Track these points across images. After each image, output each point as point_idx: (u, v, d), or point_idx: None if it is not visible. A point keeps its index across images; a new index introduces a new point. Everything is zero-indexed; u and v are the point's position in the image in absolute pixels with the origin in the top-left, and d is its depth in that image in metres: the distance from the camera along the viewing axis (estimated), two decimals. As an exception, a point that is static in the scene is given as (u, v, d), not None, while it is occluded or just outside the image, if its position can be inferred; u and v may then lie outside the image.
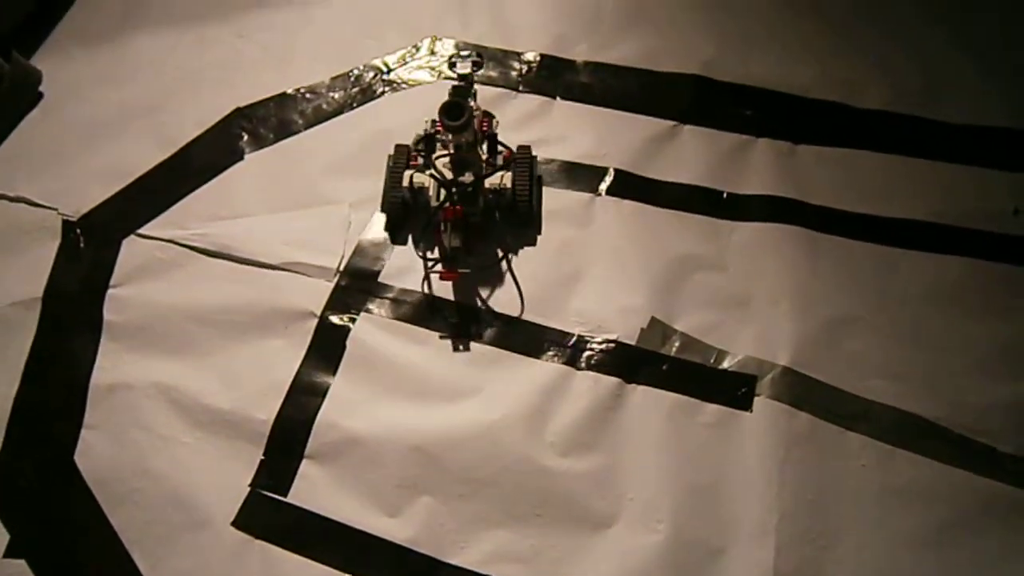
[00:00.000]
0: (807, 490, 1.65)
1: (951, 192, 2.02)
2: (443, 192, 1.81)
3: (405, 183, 1.87)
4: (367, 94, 2.22)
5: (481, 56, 1.99)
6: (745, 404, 1.74)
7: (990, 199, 2.01)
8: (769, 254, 1.93)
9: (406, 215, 1.93)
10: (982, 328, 1.83)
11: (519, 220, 1.90)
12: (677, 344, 1.81)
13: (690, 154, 2.09)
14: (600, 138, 2.11)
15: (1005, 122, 2.11)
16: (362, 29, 2.36)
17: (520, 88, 2.21)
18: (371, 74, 2.26)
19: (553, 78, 2.23)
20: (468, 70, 1.94)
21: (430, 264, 1.92)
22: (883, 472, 1.67)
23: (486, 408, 1.74)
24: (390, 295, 1.90)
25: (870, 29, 2.30)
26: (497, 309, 1.87)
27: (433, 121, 1.93)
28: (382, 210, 1.94)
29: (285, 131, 2.16)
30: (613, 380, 1.76)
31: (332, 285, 1.91)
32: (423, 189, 1.85)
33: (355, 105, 2.20)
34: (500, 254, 1.91)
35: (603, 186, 2.03)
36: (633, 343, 1.81)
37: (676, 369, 1.78)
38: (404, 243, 1.98)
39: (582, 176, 2.05)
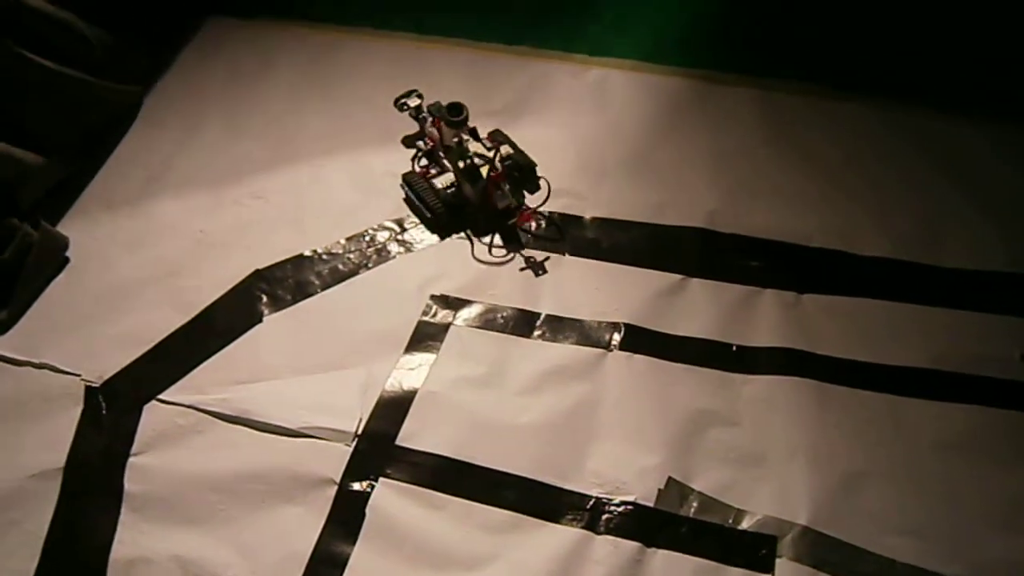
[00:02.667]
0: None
1: (955, 338, 2.07)
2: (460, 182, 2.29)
3: (440, 184, 2.31)
4: (382, 254, 2.30)
5: (417, 90, 2.48)
6: (767, 566, 1.73)
7: (994, 345, 2.05)
8: (781, 407, 1.96)
9: (449, 215, 2.30)
10: (995, 479, 1.84)
11: (529, 166, 2.36)
12: (695, 505, 1.82)
13: (699, 307, 2.14)
14: (610, 293, 2.18)
15: (1007, 267, 2.18)
16: (374, 188, 2.46)
17: (529, 246, 2.29)
18: (384, 234, 2.34)
19: (562, 234, 2.31)
20: (417, 102, 2.46)
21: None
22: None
23: (506, 578, 1.73)
24: (408, 459, 1.92)
25: (865, 178, 2.41)
26: (517, 473, 1.87)
27: (424, 143, 2.46)
28: (431, 224, 2.34)
29: (303, 292, 2.23)
30: (633, 545, 1.76)
31: (351, 449, 1.93)
32: (453, 185, 2.30)
33: (370, 265, 2.27)
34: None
35: (615, 341, 2.07)
36: (651, 505, 1.82)
37: (695, 531, 1.79)
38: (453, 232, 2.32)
39: (593, 332, 2.10)
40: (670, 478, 1.85)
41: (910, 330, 2.08)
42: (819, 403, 1.96)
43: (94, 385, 2.09)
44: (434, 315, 2.15)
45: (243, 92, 2.77)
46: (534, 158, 2.42)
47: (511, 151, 2.37)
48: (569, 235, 2.32)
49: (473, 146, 2.33)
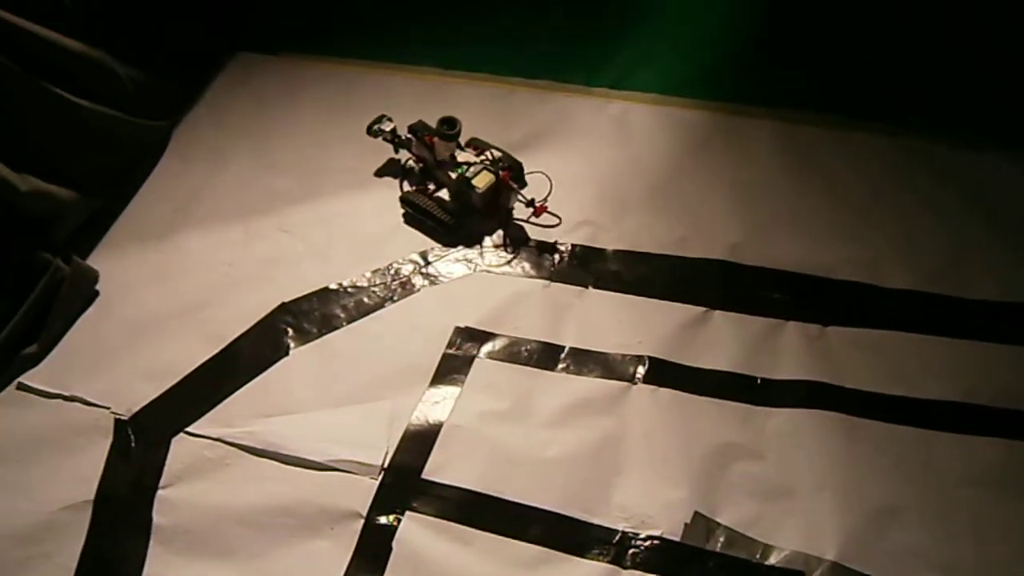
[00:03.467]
0: None
1: (984, 371, 2.06)
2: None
3: (445, 196, 2.37)
4: (406, 287, 2.32)
5: (385, 115, 2.58)
6: (795, 602, 1.72)
7: (1024, 377, 2.04)
8: (807, 441, 1.95)
9: (459, 223, 2.41)
10: (1027, 514, 1.82)
11: (518, 165, 2.47)
12: (722, 539, 1.81)
13: (722, 340, 2.15)
14: (633, 326, 2.18)
15: (1035, 298, 2.17)
16: (398, 222, 2.50)
17: (553, 278, 2.30)
18: (409, 267, 2.37)
19: (585, 267, 2.32)
20: (390, 126, 2.56)
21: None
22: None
23: (533, 616, 1.73)
24: (434, 492, 1.92)
25: (888, 209, 2.41)
26: (543, 507, 1.88)
27: (416, 161, 2.56)
28: (442, 237, 2.42)
29: (329, 326, 2.25)
30: (660, 581, 1.75)
31: (377, 483, 1.94)
32: (457, 196, 2.38)
33: (395, 299, 2.30)
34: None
35: (639, 374, 2.08)
36: (678, 539, 1.81)
37: (723, 566, 1.78)
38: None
39: (617, 365, 2.11)
40: (696, 512, 1.84)
41: (938, 363, 2.07)
42: (846, 437, 1.95)
43: (123, 418, 2.11)
44: (459, 348, 2.16)
45: (270, 126, 2.81)
46: (556, 191, 2.44)
47: (499, 153, 2.45)
48: (592, 267, 2.32)
49: (460, 156, 2.46)
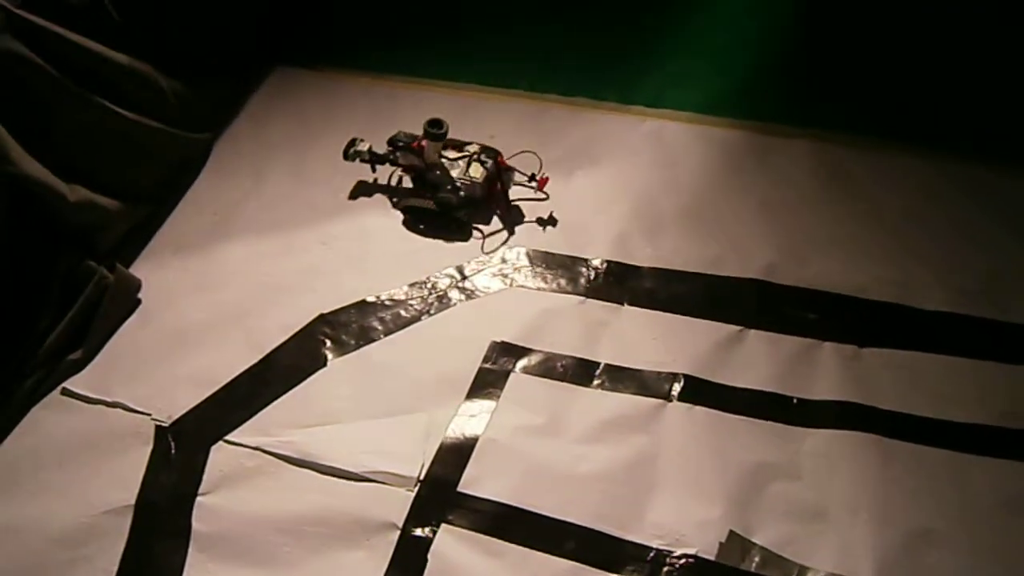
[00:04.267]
0: None
1: (1020, 395, 2.04)
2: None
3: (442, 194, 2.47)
4: (443, 301, 2.35)
5: (356, 137, 2.65)
6: (830, 625, 1.72)
7: (1062, 402, 2.02)
8: (843, 462, 1.95)
9: (468, 217, 2.53)
10: (1064, 540, 1.81)
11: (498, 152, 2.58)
12: (757, 559, 1.81)
13: (757, 359, 2.15)
14: (668, 344, 2.19)
15: (1075, 320, 2.16)
16: (437, 237, 2.53)
17: (588, 294, 2.32)
18: (446, 281, 2.39)
19: (620, 284, 2.34)
20: (365, 145, 2.61)
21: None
22: None
23: (567, 631, 1.74)
24: (469, 505, 1.94)
25: (924, 231, 2.40)
26: (577, 522, 1.89)
27: (404, 171, 2.62)
28: (455, 234, 2.51)
29: (366, 338, 2.28)
30: (694, 600, 1.76)
31: (413, 495, 1.96)
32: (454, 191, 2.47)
33: (432, 312, 2.32)
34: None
35: (674, 392, 2.09)
36: (712, 558, 1.81)
37: (758, 587, 1.78)
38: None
39: (652, 382, 2.12)
40: (731, 531, 1.85)
41: (975, 386, 2.06)
42: (881, 459, 1.95)
43: (164, 425, 2.15)
44: (495, 362, 2.18)
45: (309, 139, 2.86)
46: (591, 208, 2.46)
47: (477, 147, 2.57)
48: (627, 284, 2.34)
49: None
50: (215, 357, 2.29)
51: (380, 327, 2.30)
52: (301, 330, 2.32)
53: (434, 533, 1.90)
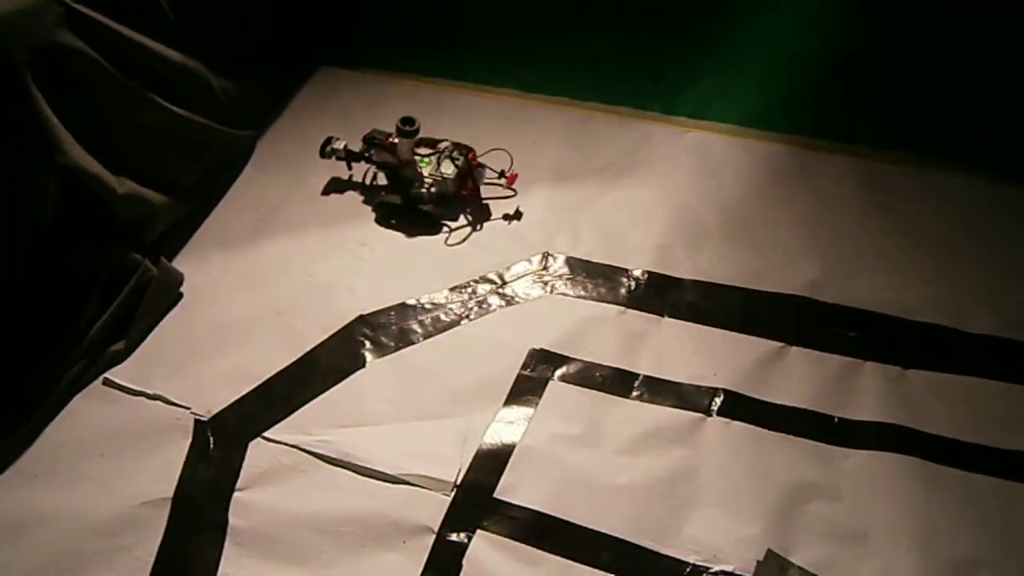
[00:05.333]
0: None
1: (1071, 424, 2.01)
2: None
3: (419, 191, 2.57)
4: (483, 306, 2.35)
5: (331, 136, 2.73)
6: (869, 650, 1.69)
7: (1113, 431, 1.99)
8: (885, 485, 1.93)
9: (440, 212, 2.61)
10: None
11: (471, 149, 2.64)
12: (795, 580, 1.79)
13: (799, 376, 2.13)
14: (708, 357, 2.18)
15: None
16: (477, 241, 2.53)
17: (628, 304, 2.31)
18: (486, 286, 2.39)
19: (660, 295, 2.33)
20: (342, 143, 2.69)
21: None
22: None
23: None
24: (505, 512, 1.93)
25: (970, 252, 2.37)
26: (614, 534, 1.88)
27: (379, 168, 2.69)
28: (427, 229, 2.58)
29: (405, 340, 2.29)
30: (730, 619, 1.74)
31: (449, 499, 1.95)
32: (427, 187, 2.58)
33: (471, 317, 2.32)
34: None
35: (714, 407, 2.07)
36: (749, 576, 1.80)
37: (795, 607, 1.76)
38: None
39: (691, 396, 2.11)
40: (769, 550, 1.83)
41: (1022, 413, 2.02)
42: (925, 483, 1.92)
43: (203, 419, 2.17)
44: (533, 369, 2.18)
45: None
46: (633, 218, 2.46)
47: (450, 144, 2.65)
48: (667, 296, 2.33)
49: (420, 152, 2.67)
50: (255, 353, 2.30)
51: (419, 330, 2.31)
52: (340, 330, 2.33)
53: (470, 539, 1.89)
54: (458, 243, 2.54)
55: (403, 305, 2.37)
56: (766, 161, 2.71)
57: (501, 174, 2.61)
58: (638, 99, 2.92)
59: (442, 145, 2.65)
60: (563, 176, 2.68)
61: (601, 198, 2.60)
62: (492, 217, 2.61)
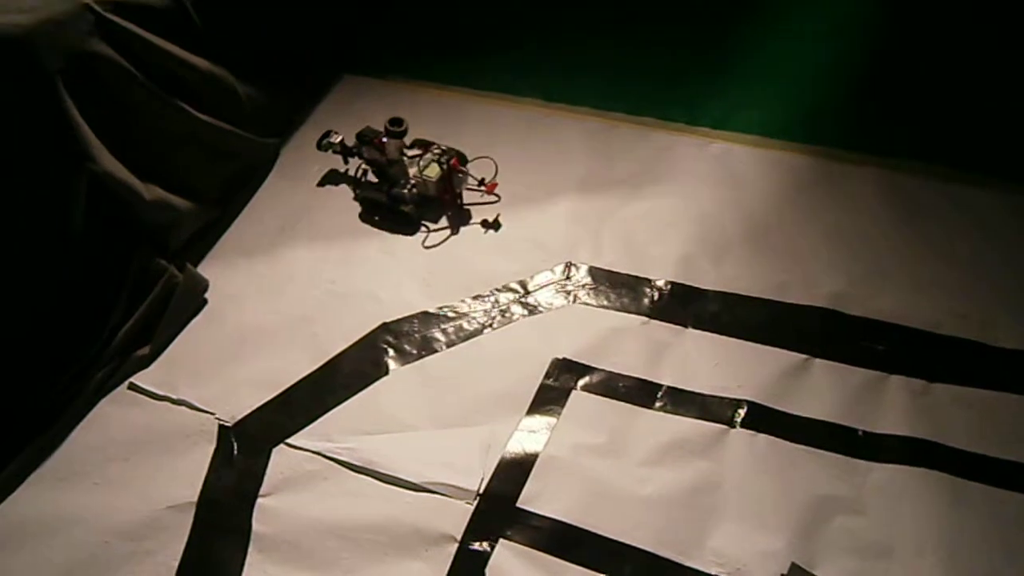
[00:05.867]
0: None
1: (1098, 440, 1.99)
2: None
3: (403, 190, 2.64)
4: (506, 315, 2.35)
5: (330, 130, 2.81)
6: (895, 666, 1.68)
7: None
8: (910, 499, 1.91)
9: (419, 213, 2.67)
10: None
11: (462, 153, 2.68)
12: (820, 594, 1.78)
13: (823, 389, 2.12)
14: (732, 369, 2.17)
15: None
16: (500, 252, 2.53)
17: (651, 315, 2.31)
18: (509, 295, 2.40)
19: (684, 306, 2.32)
20: (338, 138, 2.78)
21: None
22: None
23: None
24: (528, 522, 1.93)
25: (996, 266, 2.36)
26: (637, 545, 1.87)
27: (368, 164, 2.76)
28: (405, 228, 2.64)
29: (428, 348, 2.29)
30: (755, 632, 1.73)
31: (472, 508, 1.96)
32: (410, 187, 2.63)
33: (494, 326, 2.33)
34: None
35: (738, 419, 2.06)
36: (774, 590, 1.79)
37: (820, 622, 1.75)
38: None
39: (715, 407, 2.10)
40: (793, 564, 1.82)
41: (1050, 429, 2.01)
42: (950, 498, 1.91)
43: (227, 424, 2.18)
44: (556, 379, 2.18)
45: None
46: (657, 228, 2.45)
47: (443, 146, 2.68)
48: (691, 307, 2.33)
49: (409, 153, 2.73)
50: (278, 360, 2.32)
51: (442, 338, 2.31)
52: (364, 338, 2.34)
53: (492, 548, 1.89)
54: (481, 252, 2.54)
55: (426, 313, 2.38)
56: (790, 172, 2.71)
57: (481, 182, 2.64)
58: (662, 109, 2.93)
59: (434, 148, 2.69)
60: (586, 186, 2.69)
61: (624, 208, 2.60)
62: (471, 222, 2.67)
